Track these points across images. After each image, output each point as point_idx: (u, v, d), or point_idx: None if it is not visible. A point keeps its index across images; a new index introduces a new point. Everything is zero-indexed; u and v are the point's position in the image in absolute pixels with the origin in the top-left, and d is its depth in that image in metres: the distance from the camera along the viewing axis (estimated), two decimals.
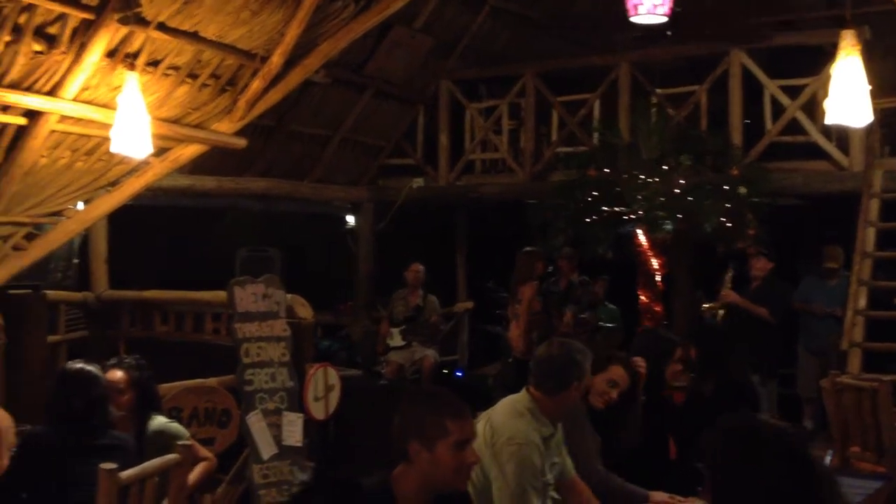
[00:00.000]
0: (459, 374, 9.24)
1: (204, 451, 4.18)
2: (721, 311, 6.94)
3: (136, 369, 4.08)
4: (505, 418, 3.35)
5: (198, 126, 5.66)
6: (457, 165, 9.21)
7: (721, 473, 2.15)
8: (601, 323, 7.79)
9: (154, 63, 5.00)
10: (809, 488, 2.03)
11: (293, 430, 5.52)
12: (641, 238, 7.72)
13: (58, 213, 5.66)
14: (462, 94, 9.26)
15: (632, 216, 7.46)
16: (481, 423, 3.34)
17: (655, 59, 8.41)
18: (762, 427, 2.27)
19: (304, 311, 6.13)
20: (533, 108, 8.84)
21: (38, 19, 4.32)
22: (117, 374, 4.02)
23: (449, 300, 8.77)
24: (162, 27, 4.80)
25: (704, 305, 7.08)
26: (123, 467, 3.27)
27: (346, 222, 10.20)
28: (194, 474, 3.92)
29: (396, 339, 8.32)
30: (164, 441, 3.73)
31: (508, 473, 3.20)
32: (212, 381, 5.56)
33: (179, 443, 3.65)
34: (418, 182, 9.34)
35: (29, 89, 4.60)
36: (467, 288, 10.38)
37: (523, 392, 3.46)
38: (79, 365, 3.73)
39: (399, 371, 8.01)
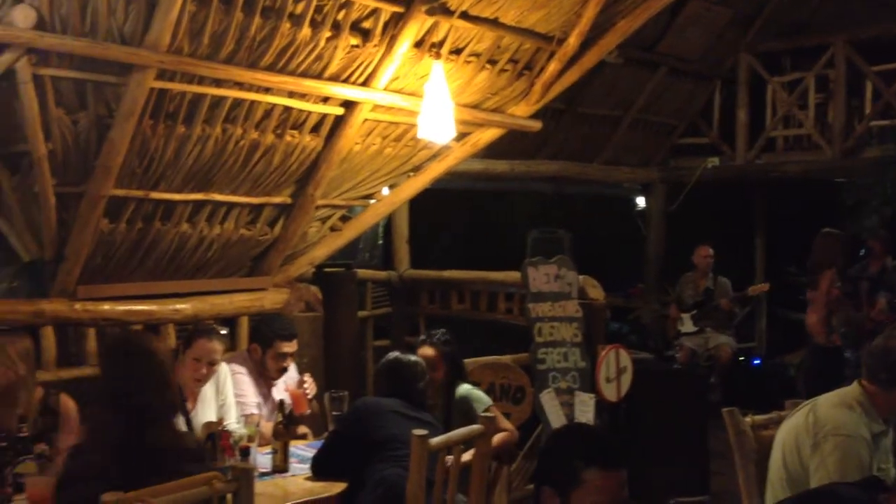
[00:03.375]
0: (757, 362, 8.82)
1: (506, 423, 4.32)
2: None
3: (445, 344, 4.29)
4: (831, 408, 3.13)
5: (496, 110, 5.82)
6: (756, 143, 8.77)
7: None
8: None
9: (457, 51, 5.19)
10: None
11: (585, 410, 5.55)
12: None
13: (368, 197, 6.07)
14: (763, 67, 8.79)
15: None
16: (803, 412, 3.17)
17: None
18: None
19: (596, 292, 6.12)
20: (843, 80, 8.20)
21: (354, 15, 4.63)
22: (429, 351, 4.25)
23: (746, 285, 8.38)
24: (465, 16, 4.97)
25: None
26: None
27: (635, 204, 10.07)
28: (494, 440, 4.06)
29: (688, 325, 8.10)
30: (468, 405, 3.90)
31: (830, 465, 2.99)
32: (506, 358, 5.72)
33: (481, 413, 3.80)
34: (713, 161, 9.02)
35: (346, 81, 4.95)
36: (766, 272, 9.87)
37: (854, 384, 3.21)
38: (413, 358, 4.00)
39: (692, 356, 7.79)
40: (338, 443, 3.80)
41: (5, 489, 3.27)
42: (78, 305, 4.78)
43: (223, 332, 4.33)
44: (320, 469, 3.76)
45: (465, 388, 4.26)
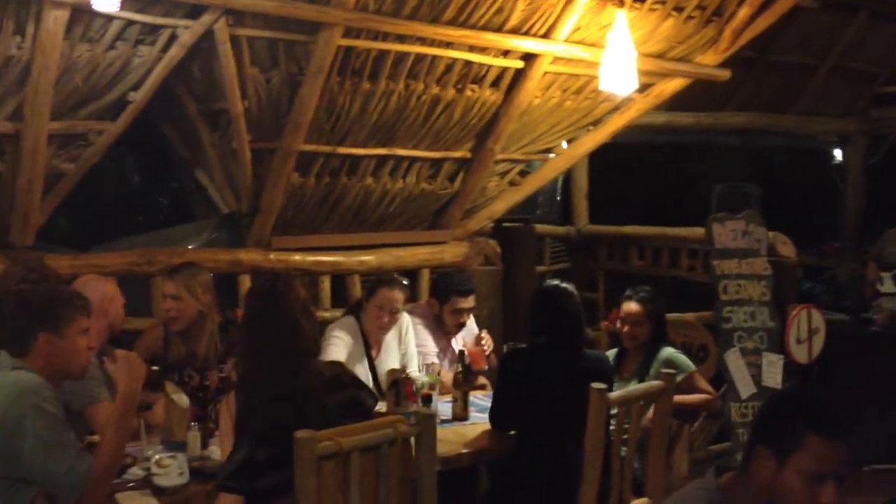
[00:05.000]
0: None
1: (704, 385, 4.20)
2: None
3: (651, 302, 4.19)
4: None
5: (681, 59, 5.62)
6: None
7: None
8: None
9: None
10: None
11: (773, 372, 5.34)
12: None
13: (547, 151, 6.04)
14: None
15: None
16: None
17: None
18: None
19: (787, 249, 5.86)
20: None
21: None
22: (633, 307, 4.16)
23: None
24: None
25: None
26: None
27: (831, 157, 9.48)
28: (685, 398, 3.97)
29: (888, 286, 7.56)
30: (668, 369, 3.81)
31: None
32: (689, 316, 5.58)
33: (664, 370, 3.72)
34: None
35: (526, 33, 4.91)
36: None
37: None
38: (555, 282, 3.93)
39: (892, 319, 7.30)
40: (503, 398, 3.79)
41: (208, 424, 3.53)
42: (272, 255, 5.05)
43: (405, 282, 4.45)
44: (495, 423, 3.79)
45: (668, 352, 4.14)
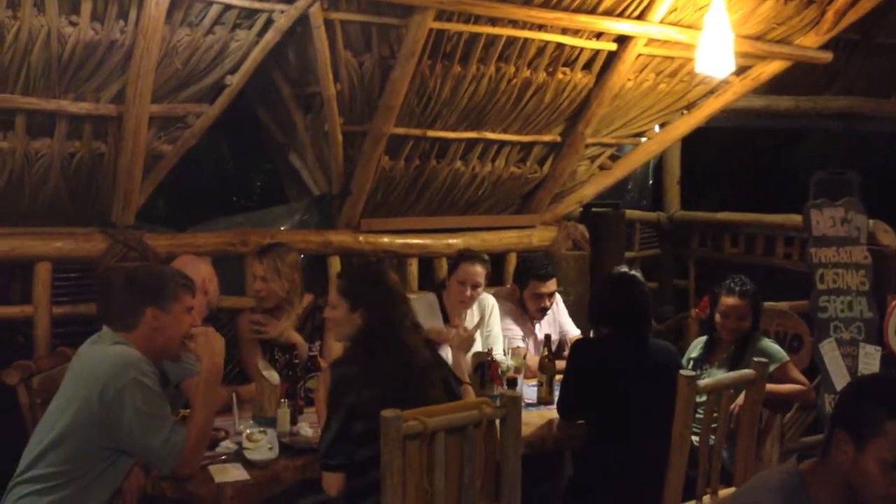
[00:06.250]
0: None
1: (797, 375, 4.11)
2: None
3: (753, 294, 4.08)
4: None
5: (781, 41, 5.45)
6: None
7: None
8: None
9: None
10: None
11: (870, 363, 5.16)
12: None
13: (639, 135, 5.94)
14: None
15: None
16: None
17: None
18: None
19: (888, 237, 5.65)
20: None
21: None
22: (738, 301, 4.03)
23: None
24: None
25: None
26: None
27: None
28: (777, 387, 3.88)
29: None
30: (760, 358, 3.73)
31: None
32: (783, 305, 5.45)
33: (756, 359, 3.64)
34: None
35: (620, 15, 4.84)
36: None
37: None
38: (623, 268, 3.86)
39: None
40: (570, 388, 3.71)
41: (298, 401, 3.62)
42: (361, 237, 5.12)
43: (485, 257, 4.45)
44: (562, 412, 3.72)
45: (762, 343, 4.06)
